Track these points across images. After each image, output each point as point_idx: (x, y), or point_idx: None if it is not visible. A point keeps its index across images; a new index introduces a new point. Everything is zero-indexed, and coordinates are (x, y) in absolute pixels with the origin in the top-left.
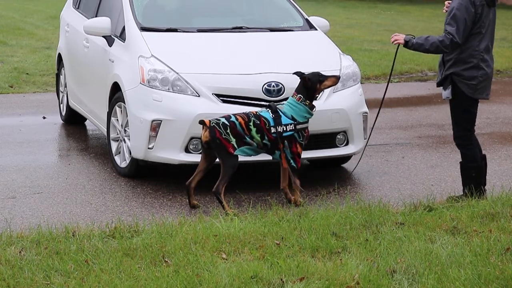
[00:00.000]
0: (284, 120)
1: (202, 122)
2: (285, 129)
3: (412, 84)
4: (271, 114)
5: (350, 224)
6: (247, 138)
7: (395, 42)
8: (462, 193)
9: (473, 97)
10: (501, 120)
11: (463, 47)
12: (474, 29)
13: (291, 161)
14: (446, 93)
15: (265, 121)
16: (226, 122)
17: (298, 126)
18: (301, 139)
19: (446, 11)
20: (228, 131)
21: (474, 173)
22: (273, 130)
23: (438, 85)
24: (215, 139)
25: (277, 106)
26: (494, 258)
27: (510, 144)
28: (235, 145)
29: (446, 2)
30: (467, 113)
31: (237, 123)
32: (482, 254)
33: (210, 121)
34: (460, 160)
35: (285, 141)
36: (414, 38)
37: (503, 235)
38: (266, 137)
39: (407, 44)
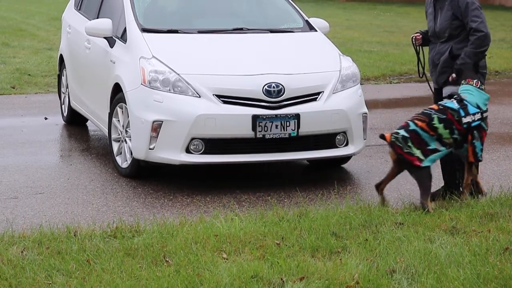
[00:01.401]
0: (471, 109)
1: (382, 137)
2: (474, 118)
3: (411, 85)
4: (457, 104)
5: (350, 224)
6: (432, 144)
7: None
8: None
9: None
10: (499, 120)
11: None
12: None
13: (479, 153)
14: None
15: (452, 112)
16: (406, 134)
17: (484, 115)
18: (487, 128)
19: (418, 43)
20: (410, 143)
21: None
22: (464, 120)
23: (447, 83)
24: (399, 155)
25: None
26: (493, 258)
27: (509, 144)
28: (421, 157)
29: (415, 35)
30: None
31: (418, 129)
32: (481, 254)
33: (390, 135)
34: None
35: (474, 131)
36: (457, 65)
37: (501, 235)
38: (455, 131)
39: (459, 73)
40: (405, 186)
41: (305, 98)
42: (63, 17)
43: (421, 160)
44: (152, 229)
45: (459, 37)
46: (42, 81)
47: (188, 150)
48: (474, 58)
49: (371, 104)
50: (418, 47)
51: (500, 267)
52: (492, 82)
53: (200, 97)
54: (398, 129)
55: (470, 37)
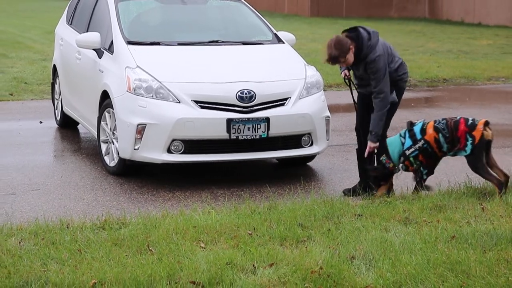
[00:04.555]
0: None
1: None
2: None
3: None
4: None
5: (315, 216)
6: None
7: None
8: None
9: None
10: None
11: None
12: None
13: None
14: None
15: None
16: None
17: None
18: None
19: (348, 78)
20: None
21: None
22: None
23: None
24: None
25: None
26: (441, 245)
27: None
28: None
29: (344, 72)
30: (394, 111)
31: None
32: (430, 242)
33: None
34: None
35: None
36: (372, 134)
37: (449, 224)
38: None
39: (376, 140)
40: None
41: (274, 103)
42: (56, 31)
43: None
44: (137, 221)
45: None
46: (37, 88)
47: (169, 150)
48: (381, 122)
49: (333, 109)
50: (349, 82)
51: (447, 253)
52: (441, 88)
53: (180, 102)
54: None
55: (374, 100)
